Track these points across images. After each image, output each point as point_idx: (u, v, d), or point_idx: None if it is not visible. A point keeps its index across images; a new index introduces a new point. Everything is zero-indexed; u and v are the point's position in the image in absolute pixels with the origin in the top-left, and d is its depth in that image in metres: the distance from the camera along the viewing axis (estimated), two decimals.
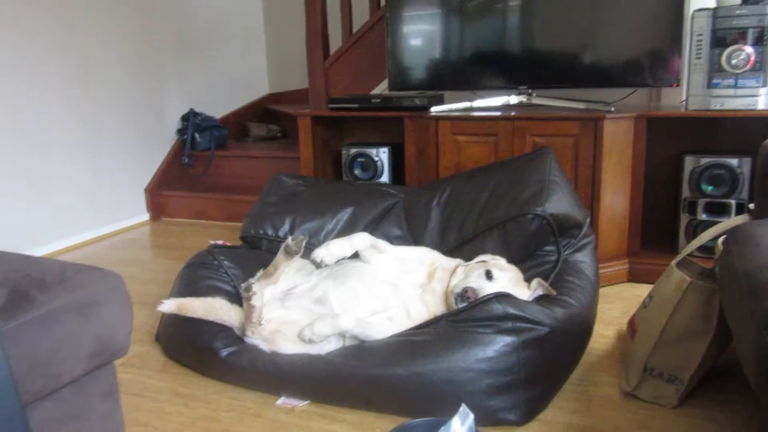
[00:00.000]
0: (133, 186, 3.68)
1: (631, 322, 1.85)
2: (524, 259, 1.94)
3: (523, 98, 2.67)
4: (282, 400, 1.68)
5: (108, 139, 3.47)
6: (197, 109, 4.02)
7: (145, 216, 3.74)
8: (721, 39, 2.21)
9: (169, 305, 1.81)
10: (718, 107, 2.24)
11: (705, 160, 2.35)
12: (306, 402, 1.67)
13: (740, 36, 2.19)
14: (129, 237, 3.44)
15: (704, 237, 1.72)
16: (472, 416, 1.13)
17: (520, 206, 1.93)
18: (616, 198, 2.41)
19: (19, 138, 2.99)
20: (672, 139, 2.60)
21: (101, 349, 1.22)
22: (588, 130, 2.33)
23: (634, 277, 2.46)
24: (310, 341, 1.67)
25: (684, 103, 2.41)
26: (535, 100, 2.65)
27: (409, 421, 1.22)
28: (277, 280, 1.83)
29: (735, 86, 2.21)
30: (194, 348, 1.81)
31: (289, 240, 1.81)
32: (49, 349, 1.12)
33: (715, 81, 2.23)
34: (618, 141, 2.35)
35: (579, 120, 2.34)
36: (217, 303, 1.83)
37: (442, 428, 1.11)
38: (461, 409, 1.12)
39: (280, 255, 1.83)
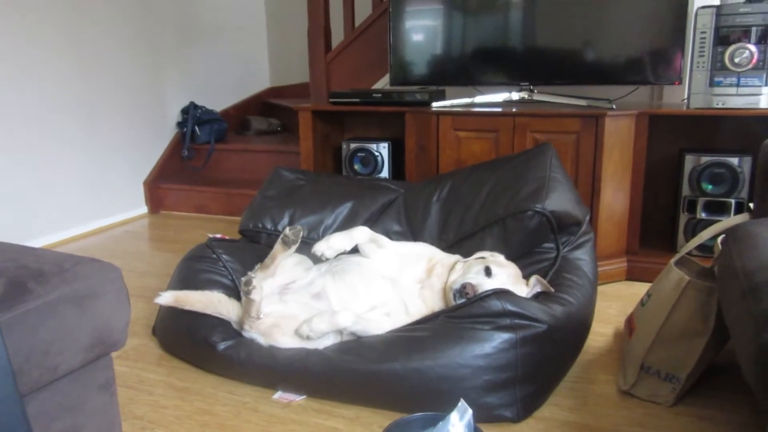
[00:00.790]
0: (132, 178, 3.68)
1: (629, 321, 1.85)
2: (523, 256, 1.94)
3: (524, 94, 2.66)
4: (278, 395, 1.69)
5: (108, 130, 3.47)
6: (198, 102, 4.02)
7: (144, 209, 3.74)
8: (725, 37, 2.20)
9: (167, 298, 1.81)
10: (720, 106, 2.24)
11: (705, 159, 2.34)
12: (303, 397, 1.67)
13: (744, 34, 2.18)
14: (127, 229, 3.44)
15: (704, 236, 1.72)
16: (470, 411, 1.13)
17: (520, 203, 1.93)
18: (616, 196, 2.40)
19: (19, 129, 2.99)
20: (673, 138, 2.59)
21: (98, 342, 1.22)
22: (589, 127, 2.33)
23: (632, 275, 2.47)
24: (308, 338, 1.67)
25: (686, 101, 2.41)
26: (537, 97, 2.64)
27: (407, 416, 1.23)
28: (274, 272, 1.84)
29: (737, 85, 2.20)
30: (191, 341, 1.81)
31: (287, 230, 1.81)
32: (46, 341, 1.12)
33: (717, 79, 2.23)
34: (619, 138, 2.35)
35: (580, 117, 2.34)
36: (215, 296, 1.83)
37: (441, 423, 1.11)
38: (460, 404, 1.12)
39: (277, 246, 1.83)
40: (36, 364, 1.10)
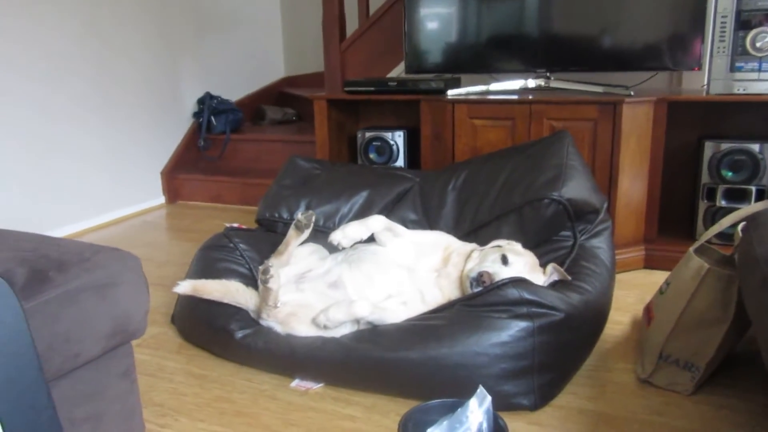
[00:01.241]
0: (149, 169, 3.70)
1: (648, 309, 1.84)
2: (540, 245, 1.93)
3: (540, 81, 2.64)
4: (296, 383, 1.70)
5: (125, 120, 3.49)
6: (213, 92, 4.03)
7: (161, 199, 3.77)
8: (746, 21, 2.16)
9: (185, 287, 1.83)
10: (741, 91, 2.20)
11: (725, 146, 2.31)
12: (320, 384, 1.68)
13: (765, 18, 2.14)
14: (145, 219, 3.47)
15: (723, 223, 1.70)
16: (489, 398, 1.13)
17: (537, 191, 1.92)
18: (634, 183, 2.38)
19: (37, 119, 3.02)
20: (692, 124, 2.56)
21: (118, 330, 1.23)
22: (606, 114, 2.30)
23: (650, 263, 2.44)
24: (325, 327, 1.68)
25: (705, 87, 2.37)
26: (553, 84, 2.62)
27: (426, 402, 1.23)
28: (288, 259, 1.86)
29: (759, 70, 2.16)
30: (209, 330, 1.83)
31: (299, 215, 1.84)
32: (68, 329, 1.13)
33: (738, 64, 2.19)
34: (637, 125, 2.32)
35: (597, 104, 2.31)
36: (232, 285, 1.84)
37: (459, 410, 1.11)
38: (479, 390, 1.12)
39: (290, 231, 1.85)
40: (58, 351, 1.12)
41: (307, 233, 1.87)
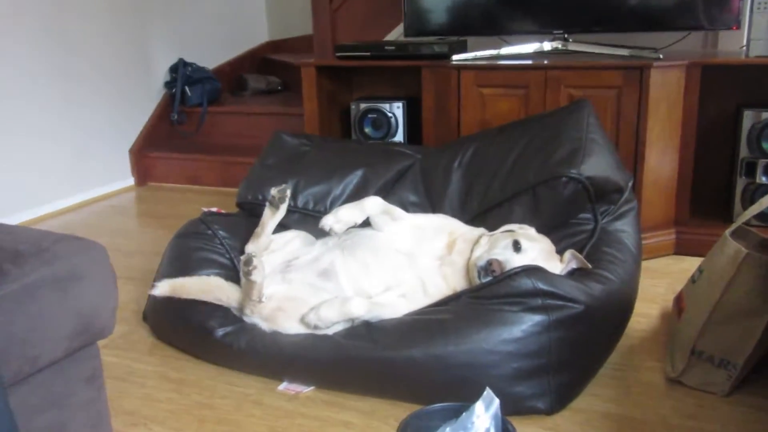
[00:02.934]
0: (115, 147, 3.69)
1: (678, 300, 1.84)
2: (556, 229, 1.93)
3: (557, 44, 2.62)
4: (284, 386, 1.70)
5: (87, 93, 3.47)
6: (187, 59, 4.00)
7: (130, 180, 3.76)
8: None
9: (163, 288, 1.83)
10: None
11: (767, 115, 2.30)
12: (311, 388, 1.69)
13: None
14: (112, 204, 3.46)
15: (764, 202, 1.70)
16: (497, 401, 1.13)
17: (553, 168, 1.91)
18: (662, 158, 2.38)
19: None
20: (729, 91, 2.55)
21: (83, 329, 1.23)
22: (632, 81, 2.29)
23: (681, 248, 2.45)
24: (316, 327, 1.68)
25: (744, 48, 2.36)
26: (572, 47, 2.60)
27: (426, 407, 1.23)
28: (267, 243, 1.89)
29: None
30: (186, 328, 1.83)
31: (273, 190, 1.85)
32: (25, 329, 1.13)
33: None
34: (666, 93, 2.31)
35: (622, 69, 2.30)
36: (213, 281, 1.85)
37: (464, 414, 1.12)
38: (485, 393, 1.12)
39: (266, 211, 1.88)
40: (14, 354, 1.12)
41: (283, 210, 1.89)
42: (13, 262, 1.15)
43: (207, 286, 1.84)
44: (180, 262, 1.97)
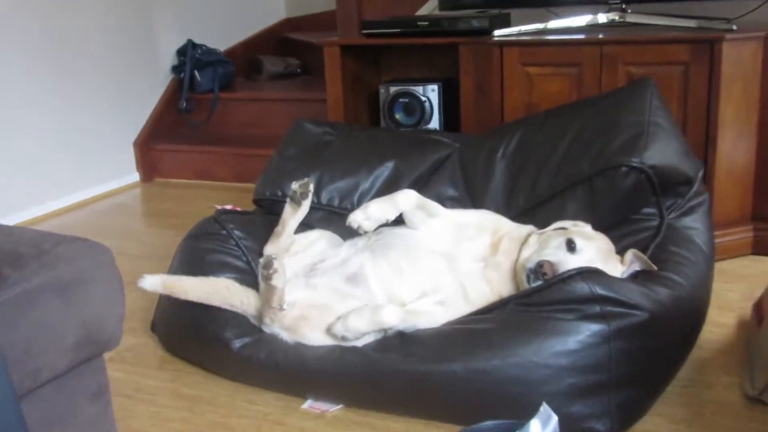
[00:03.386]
0: (118, 139, 3.74)
1: (758, 306, 1.81)
2: (616, 226, 1.91)
3: (614, 16, 2.59)
4: (309, 404, 1.71)
5: (87, 81, 3.52)
6: (197, 40, 4.04)
7: (135, 176, 3.81)
8: None
9: (152, 282, 1.80)
10: None
11: None
12: (338, 406, 1.70)
13: None
14: (116, 202, 3.51)
15: None
16: (555, 419, 1.13)
17: (612, 157, 1.90)
18: (738, 144, 2.35)
19: None
20: None
21: (87, 340, 1.25)
22: (701, 56, 2.27)
23: (760, 248, 2.42)
24: (343, 338, 1.69)
25: None
26: (631, 18, 2.57)
27: (476, 425, 1.23)
28: (288, 244, 1.90)
29: None
30: (199, 339, 1.85)
31: (294, 185, 1.85)
32: (26, 338, 1.15)
33: None
34: (742, 69, 2.28)
35: (689, 42, 2.28)
36: (222, 283, 1.84)
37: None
38: (542, 409, 1.12)
39: (286, 207, 1.88)
40: (15, 367, 1.14)
41: (306, 206, 1.90)
42: (13, 265, 1.18)
43: (214, 288, 1.82)
44: (191, 266, 1.98)
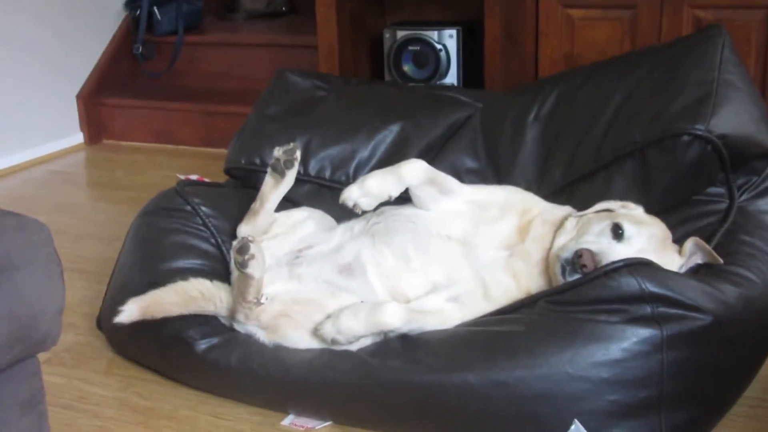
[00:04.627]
0: (58, 91, 3.73)
1: None
2: (674, 209, 1.92)
3: None
4: (290, 420, 1.73)
5: (18, 17, 3.50)
6: None
7: (79, 137, 3.81)
8: None
9: (130, 312, 1.79)
10: None
11: None
12: (326, 423, 1.71)
13: None
14: (54, 169, 3.51)
15: None
16: None
17: (671, 123, 1.90)
18: None
19: None
20: None
21: (18, 336, 1.25)
22: None
23: None
24: (334, 342, 1.70)
25: None
26: None
27: None
28: (267, 224, 1.91)
29: None
30: (157, 338, 1.86)
31: (276, 151, 1.86)
32: None
33: None
34: None
35: None
36: (194, 288, 1.83)
37: None
38: (573, 427, 1.13)
39: (266, 179, 1.89)
40: None
41: (290, 177, 1.90)
42: None
43: (187, 297, 1.82)
44: (148, 250, 1.99)
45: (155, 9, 3.92)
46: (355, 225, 1.92)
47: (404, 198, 1.89)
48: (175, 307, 1.81)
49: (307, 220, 1.99)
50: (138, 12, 3.93)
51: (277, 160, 1.89)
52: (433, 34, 2.84)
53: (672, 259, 1.69)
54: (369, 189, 1.82)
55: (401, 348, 1.66)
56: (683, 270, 1.69)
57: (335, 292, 1.78)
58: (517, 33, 2.59)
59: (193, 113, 3.68)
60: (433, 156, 2.18)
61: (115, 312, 1.78)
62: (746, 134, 1.90)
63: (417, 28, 2.86)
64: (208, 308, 1.82)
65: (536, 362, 1.53)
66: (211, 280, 1.86)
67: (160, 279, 1.86)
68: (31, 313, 1.27)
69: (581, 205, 1.89)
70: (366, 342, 1.71)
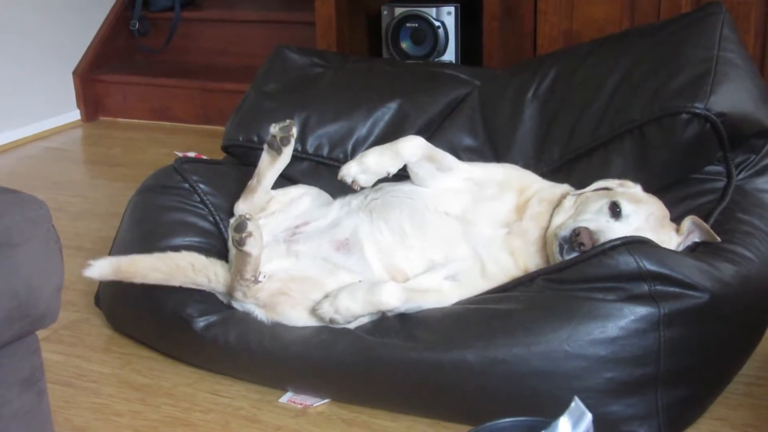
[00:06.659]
0: (55, 67, 3.72)
1: None
2: (672, 187, 1.92)
3: None
4: (288, 397, 1.73)
5: None
6: None
7: (76, 114, 3.80)
8: None
9: (101, 268, 1.79)
10: None
11: None
12: (324, 401, 1.72)
13: None
14: (51, 146, 3.50)
15: None
16: (589, 417, 1.13)
17: (669, 101, 1.89)
18: None
19: None
20: None
21: (18, 314, 1.25)
22: None
23: None
24: (332, 321, 1.70)
25: None
26: None
27: (492, 423, 1.24)
28: (264, 200, 1.91)
29: None
30: (155, 316, 1.86)
31: (273, 128, 1.86)
32: None
33: None
34: None
35: None
36: (186, 259, 1.83)
37: (544, 431, 1.12)
38: (573, 405, 1.13)
39: (263, 156, 1.89)
40: None
41: (287, 155, 1.90)
42: None
43: (174, 265, 1.82)
44: (145, 227, 1.99)
45: None
46: (352, 201, 1.92)
47: (403, 175, 1.89)
48: (155, 272, 1.80)
49: (304, 196, 1.99)
50: None
51: (274, 137, 1.89)
52: (431, 11, 2.83)
53: (670, 238, 1.69)
54: (367, 165, 1.83)
55: (399, 326, 1.67)
56: (681, 248, 1.70)
57: (333, 269, 1.78)
58: (515, 10, 2.59)
59: (190, 90, 3.67)
60: (431, 134, 2.18)
61: (88, 268, 1.77)
62: (745, 112, 1.89)
63: (415, 4, 2.85)
64: (200, 280, 1.81)
65: (534, 340, 1.53)
66: (207, 253, 1.87)
67: None
68: (30, 290, 1.27)
69: (579, 183, 1.88)
70: (364, 320, 1.72)
